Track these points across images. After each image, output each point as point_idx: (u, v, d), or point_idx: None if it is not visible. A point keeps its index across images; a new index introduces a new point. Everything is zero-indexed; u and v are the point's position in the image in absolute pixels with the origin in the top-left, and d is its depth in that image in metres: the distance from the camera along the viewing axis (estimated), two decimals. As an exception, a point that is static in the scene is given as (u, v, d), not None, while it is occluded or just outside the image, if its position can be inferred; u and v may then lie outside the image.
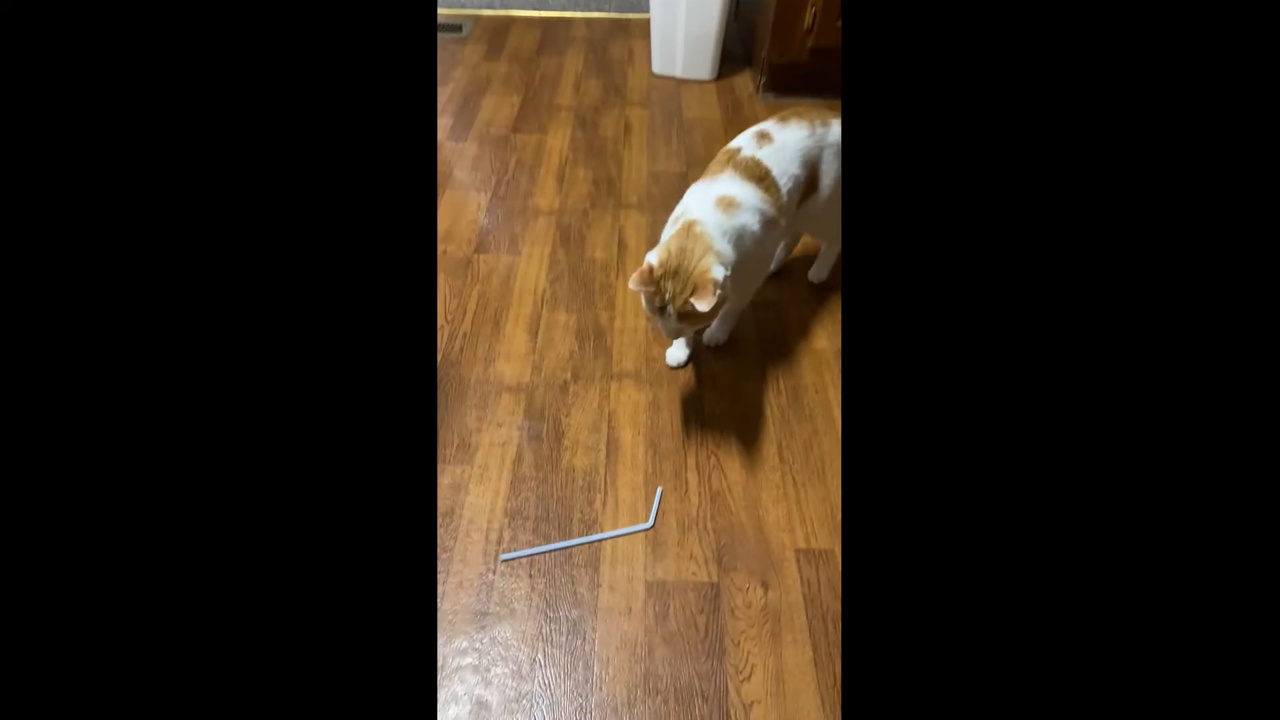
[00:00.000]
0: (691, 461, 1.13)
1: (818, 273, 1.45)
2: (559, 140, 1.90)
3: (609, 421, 1.19)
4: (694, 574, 0.99)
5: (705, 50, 2.11)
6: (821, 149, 1.20)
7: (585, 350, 1.32)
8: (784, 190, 1.15)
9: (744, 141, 1.19)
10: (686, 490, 1.09)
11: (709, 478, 1.11)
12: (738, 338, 1.34)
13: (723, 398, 1.23)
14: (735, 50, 2.29)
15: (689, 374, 1.28)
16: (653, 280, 0.99)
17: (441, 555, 1.01)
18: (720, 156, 1.19)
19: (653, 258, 1.01)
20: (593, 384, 1.25)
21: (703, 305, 0.95)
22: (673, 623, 0.94)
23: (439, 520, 1.05)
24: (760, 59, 2.07)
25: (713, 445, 1.16)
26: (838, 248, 1.43)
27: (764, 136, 1.18)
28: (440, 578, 0.98)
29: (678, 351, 1.28)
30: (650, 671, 0.89)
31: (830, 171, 1.23)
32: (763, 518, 1.06)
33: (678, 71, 2.18)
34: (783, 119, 1.20)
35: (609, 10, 2.57)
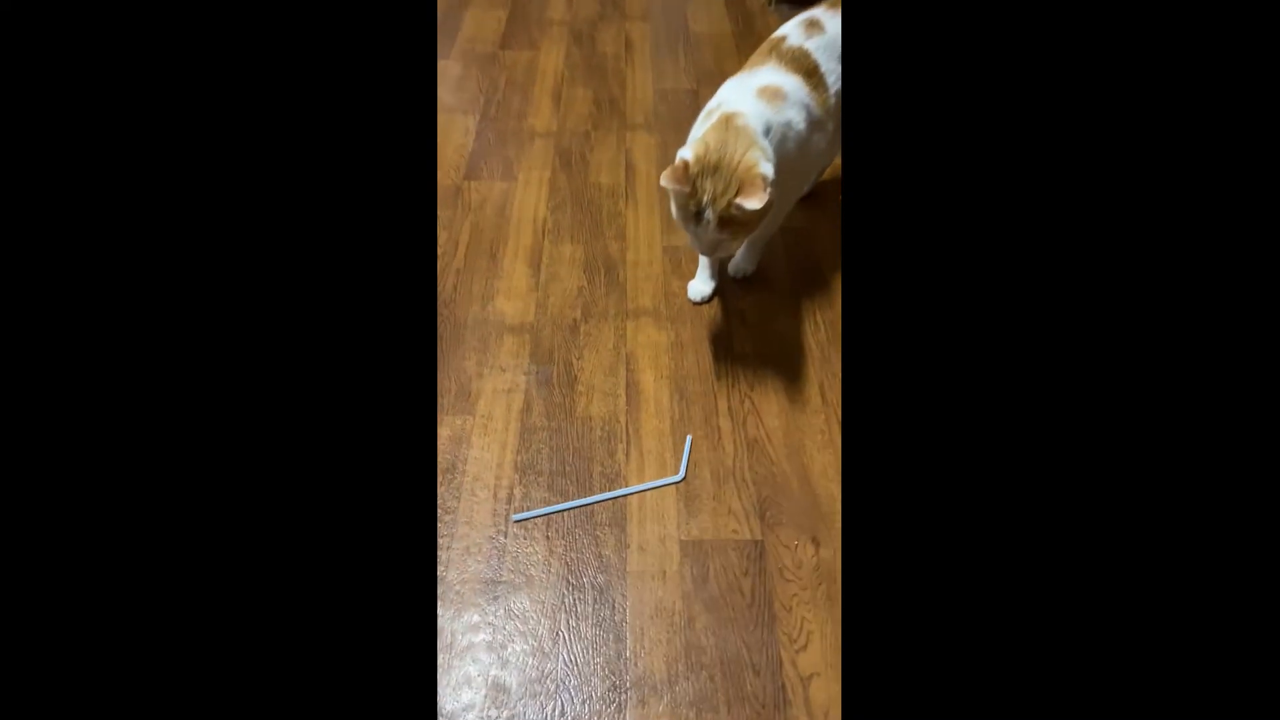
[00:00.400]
0: (723, 406, 1.00)
1: None
2: (553, 58, 1.70)
3: (627, 364, 1.05)
4: (734, 531, 0.87)
5: (712, -45, 1.88)
6: None
7: (595, 285, 1.17)
8: (832, 90, 0.99)
9: (790, 30, 1.03)
10: (720, 438, 0.96)
11: (744, 424, 0.98)
12: (765, 268, 1.19)
13: (753, 335, 1.09)
14: (743, -42, 2.06)
15: (714, 310, 1.13)
16: (688, 178, 0.85)
17: (444, 518, 0.88)
18: (763, 47, 1.03)
19: (687, 153, 0.87)
20: (606, 323, 1.11)
21: (752, 203, 0.81)
22: (714, 586, 0.82)
23: (439, 478, 0.92)
24: (774, -37, 1.85)
25: (745, 388, 1.03)
26: None
27: (814, 25, 1.01)
28: (443, 543, 0.86)
29: (701, 285, 1.13)
30: (691, 643, 0.77)
31: None
32: (808, 466, 0.93)
33: (681, -20, 1.95)
34: (833, 4, 1.04)
35: (601, -84, 2.31)
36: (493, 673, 0.75)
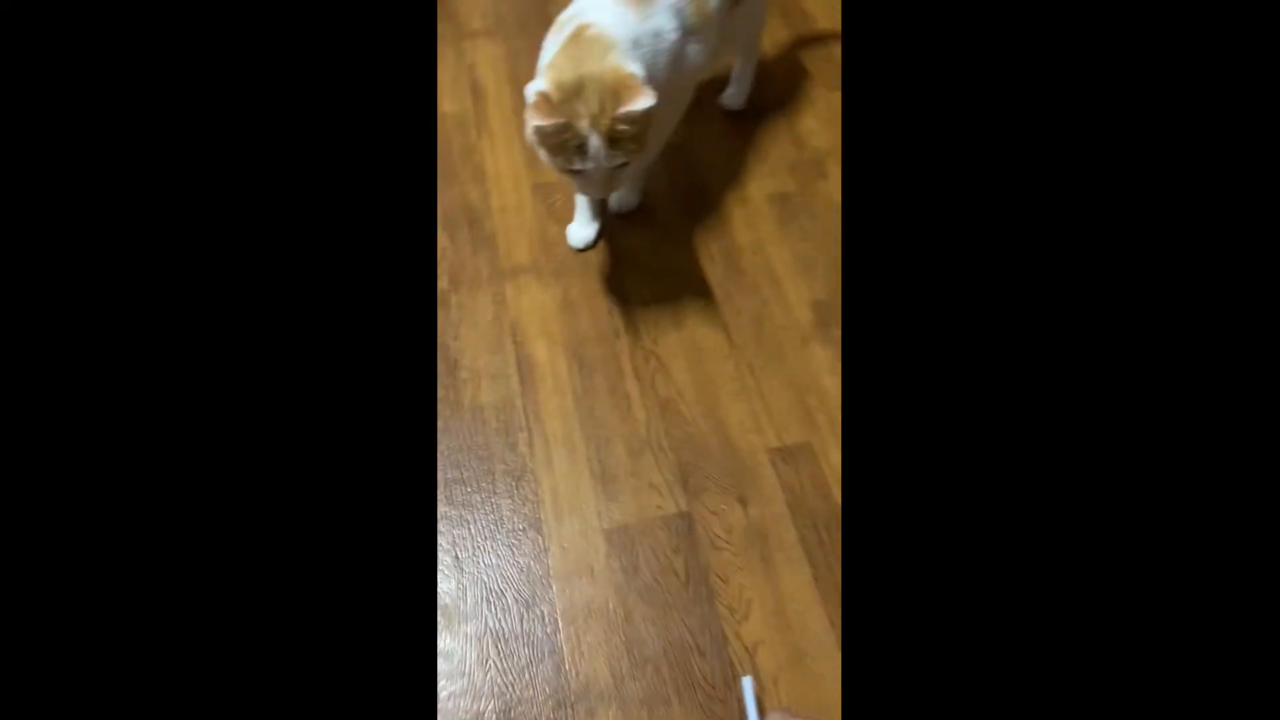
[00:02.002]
0: (628, 367, 0.91)
1: (734, 98, 1.17)
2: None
3: (513, 335, 0.93)
4: (659, 507, 0.81)
5: None
6: None
7: (459, 245, 1.00)
8: (687, 18, 0.85)
9: None
10: (629, 406, 0.89)
11: (652, 384, 0.90)
12: (650, 198, 1.07)
13: (647, 278, 0.99)
14: None
15: (601, 255, 1.01)
16: (555, 109, 0.72)
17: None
18: None
19: (539, 84, 0.74)
20: (480, 289, 0.97)
21: (639, 105, 0.72)
22: (646, 573, 0.77)
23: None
24: None
25: (649, 342, 0.94)
26: (755, 61, 1.15)
27: None
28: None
29: (582, 228, 1.00)
30: (632, 639, 0.73)
31: None
32: (724, 420, 0.88)
33: None
34: None
35: None
36: None
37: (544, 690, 0.70)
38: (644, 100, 0.72)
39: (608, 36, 0.77)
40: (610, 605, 0.75)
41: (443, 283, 0.97)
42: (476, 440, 0.85)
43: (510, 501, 0.81)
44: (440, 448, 0.84)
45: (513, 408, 0.88)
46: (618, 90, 0.73)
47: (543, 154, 0.78)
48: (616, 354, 0.92)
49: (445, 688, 0.70)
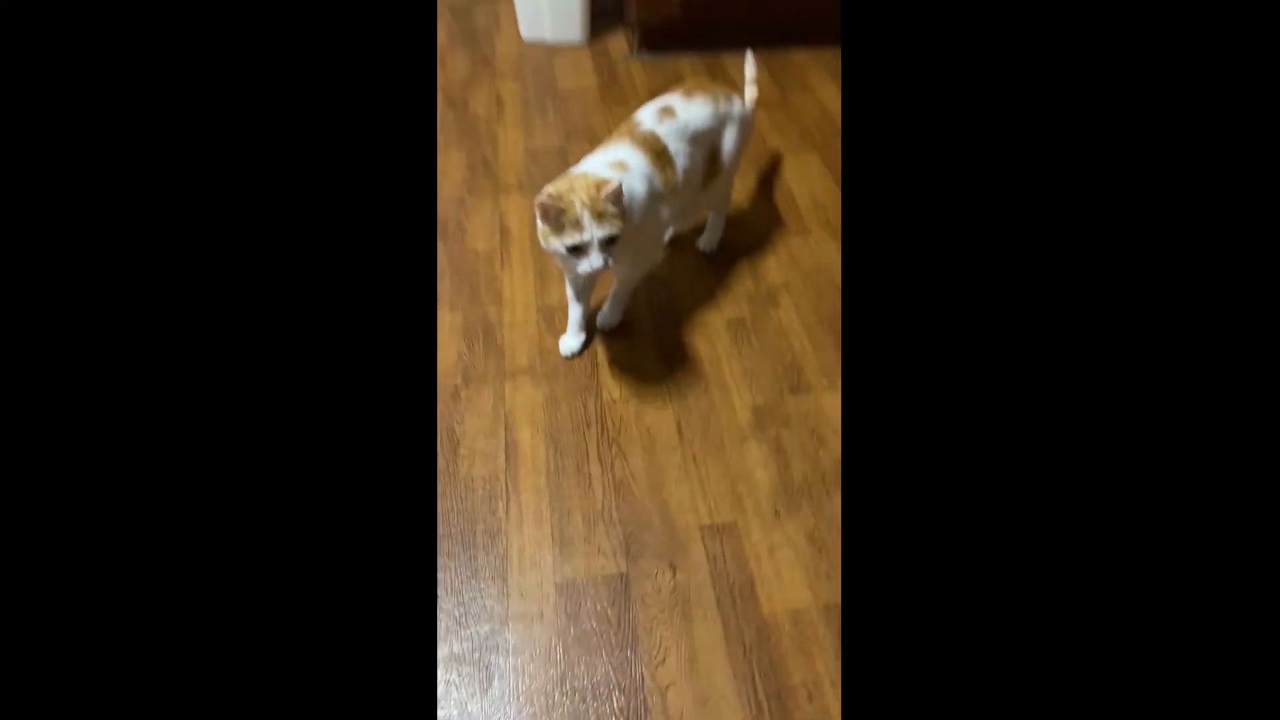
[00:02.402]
0: (593, 453, 1.13)
1: (707, 242, 1.45)
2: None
3: (505, 423, 1.17)
4: (603, 567, 1.00)
5: (573, 10, 2.02)
6: (724, 125, 1.22)
7: (475, 350, 1.27)
8: (680, 169, 1.15)
9: (646, 115, 1.18)
10: (590, 483, 1.09)
11: (611, 467, 1.11)
12: (631, 319, 1.33)
13: (620, 382, 1.23)
14: (606, 5, 2.20)
15: (586, 362, 1.26)
16: (555, 199, 0.99)
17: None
18: (621, 128, 1.18)
19: (542, 195, 1.00)
20: (485, 385, 1.22)
21: (613, 184, 0.98)
22: (585, 620, 0.94)
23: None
24: (632, 16, 2.00)
25: (613, 432, 1.16)
26: (723, 217, 1.43)
27: (667, 111, 1.17)
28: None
29: (571, 339, 1.26)
30: (566, 673, 0.90)
31: (729, 147, 1.25)
32: (667, 500, 1.07)
33: (547, 35, 2.08)
34: (688, 93, 1.20)
35: (469, -29, 2.41)
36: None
37: (487, 709, 0.87)
38: (615, 182, 0.98)
39: (593, 176, 1.04)
40: (553, 643, 0.92)
41: (456, 380, 1.23)
42: (465, 505, 1.06)
43: (485, 555, 1.01)
44: (440, 508, 1.06)
45: (497, 480, 1.10)
46: (598, 184, 0.99)
47: (550, 240, 1.01)
48: (586, 441, 1.14)
49: (413, 698, 0.88)
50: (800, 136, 1.77)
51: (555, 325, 1.31)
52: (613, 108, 1.84)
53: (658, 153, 1.13)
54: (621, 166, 1.09)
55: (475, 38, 2.11)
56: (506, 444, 1.14)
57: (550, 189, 1.01)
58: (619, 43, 2.10)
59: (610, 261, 1.01)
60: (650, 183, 1.12)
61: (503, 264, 1.43)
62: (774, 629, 0.94)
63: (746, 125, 1.28)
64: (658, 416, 1.18)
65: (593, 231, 0.98)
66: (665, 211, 1.17)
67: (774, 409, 1.19)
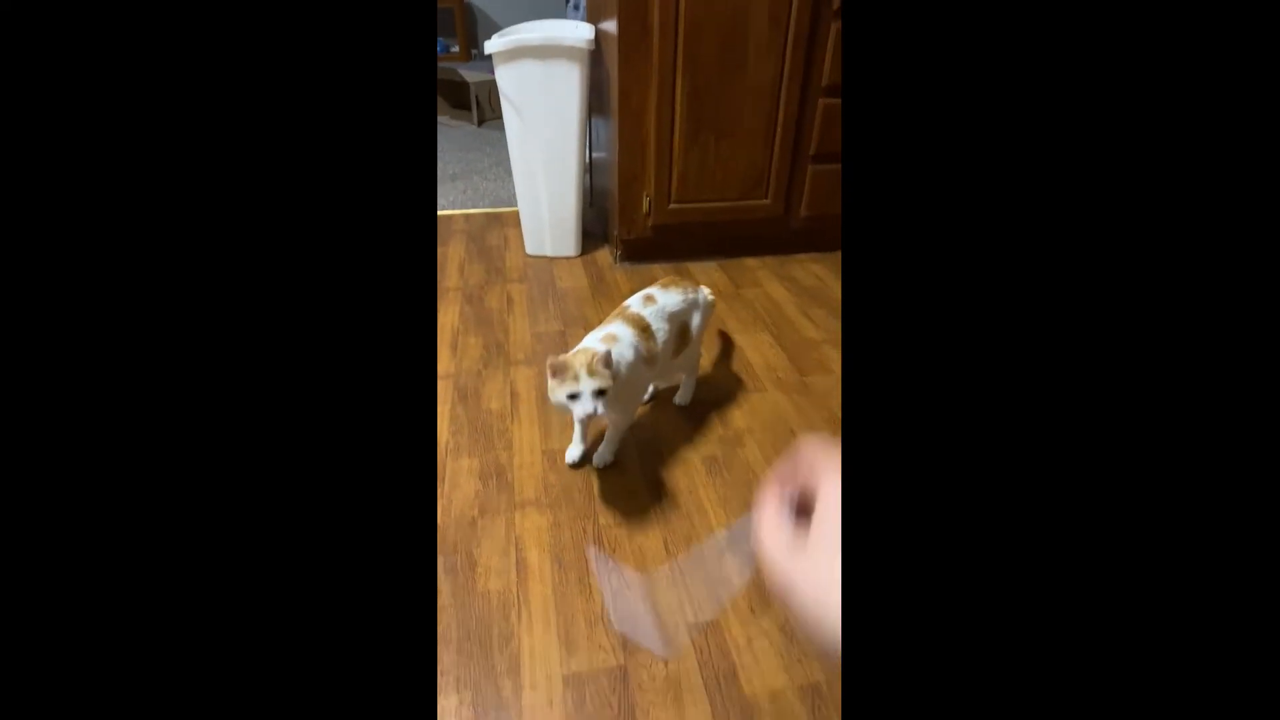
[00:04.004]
0: (592, 567, 1.31)
1: (682, 397, 1.76)
2: (450, 316, 2.18)
3: (516, 545, 1.36)
4: (604, 661, 1.13)
5: (568, 232, 2.55)
6: (692, 308, 1.61)
7: (489, 487, 1.50)
8: (660, 339, 1.51)
9: (634, 301, 1.56)
10: (591, 594, 1.26)
11: (609, 578, 1.29)
12: (623, 458, 1.58)
13: (614, 509, 1.44)
14: (594, 230, 2.77)
15: (584, 494, 1.48)
16: (560, 361, 1.29)
17: (371, 689, 1.09)
18: (615, 311, 1.54)
19: (552, 359, 1.30)
20: (499, 515, 1.43)
21: (601, 351, 1.28)
22: (589, 707, 1.06)
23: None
24: (614, 236, 2.53)
25: (609, 549, 1.35)
26: (694, 377, 1.76)
27: (649, 299, 1.55)
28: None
29: (574, 450, 1.55)
30: (574, 754, 1.00)
31: (696, 323, 1.63)
32: (658, 603, 1.24)
33: (548, 251, 2.59)
34: (664, 286, 1.59)
35: (484, 206, 3.03)
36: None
37: (505, 788, 0.96)
38: (603, 350, 1.29)
39: (590, 349, 1.36)
40: (561, 729, 1.03)
41: (474, 511, 1.44)
42: (482, 614, 1.22)
43: (499, 655, 1.15)
44: (459, 618, 1.21)
45: (510, 593, 1.26)
46: (593, 353, 1.29)
47: (555, 391, 1.29)
48: (587, 559, 1.33)
49: (435, 781, 0.97)
50: (753, 319, 2.18)
51: (557, 465, 1.56)
52: (601, 302, 2.27)
53: (643, 328, 1.49)
54: (612, 339, 1.44)
55: (489, 253, 2.62)
56: (517, 562, 1.32)
57: (557, 357, 1.34)
58: (605, 255, 2.62)
59: (600, 408, 1.30)
60: (636, 350, 1.46)
61: (513, 419, 1.71)
62: (756, 708, 1.07)
63: (708, 308, 1.66)
64: (646, 536, 1.38)
65: (585, 384, 1.29)
66: (647, 371, 1.50)
67: (745, 528, 1.40)
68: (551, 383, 1.31)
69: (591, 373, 1.29)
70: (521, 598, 1.25)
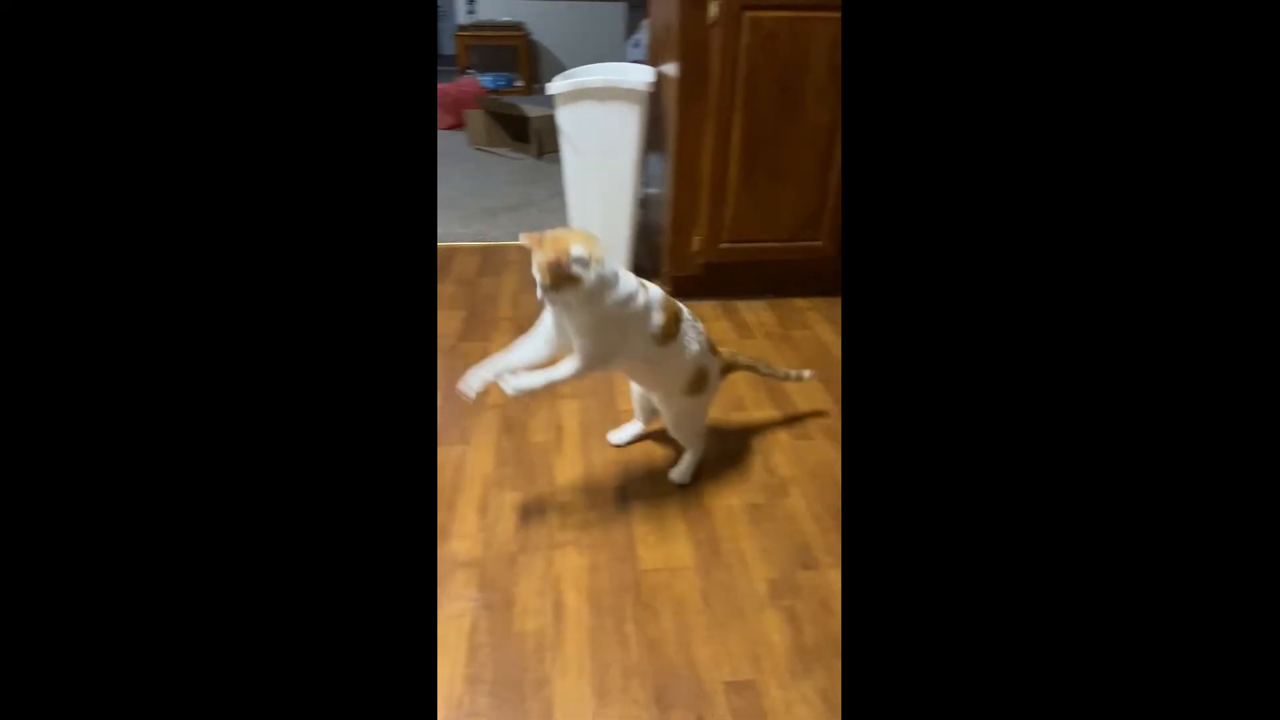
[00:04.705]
0: (629, 615, 1.29)
1: (680, 475, 1.60)
2: (500, 346, 2.22)
3: (554, 586, 1.35)
4: (637, 716, 1.11)
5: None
6: (703, 360, 1.50)
7: (530, 523, 1.50)
8: (680, 337, 1.42)
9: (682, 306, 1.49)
10: (627, 642, 1.24)
11: (645, 627, 1.27)
12: (663, 501, 1.56)
13: (653, 554, 1.43)
14: (644, 264, 2.79)
15: (624, 536, 1.47)
16: (537, 239, 1.23)
17: (405, 726, 1.09)
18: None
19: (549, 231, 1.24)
20: (538, 553, 1.42)
21: (540, 257, 1.18)
22: (621, 764, 1.04)
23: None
24: (663, 272, 2.55)
25: (647, 597, 1.33)
26: (695, 451, 1.64)
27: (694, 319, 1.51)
28: (404, 749, 1.06)
29: (620, 432, 1.59)
30: (603, 813, 0.97)
31: (709, 381, 1.52)
32: (694, 658, 1.21)
33: (598, 284, 2.62)
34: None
35: (538, 238, 3.10)
36: None
37: (532, 844, 0.94)
38: (541, 256, 1.15)
39: (596, 242, 1.21)
40: (591, 785, 1.01)
41: (514, 548, 1.44)
42: (517, 656, 1.21)
43: (532, 700, 1.14)
44: (494, 658, 1.20)
45: (545, 634, 1.25)
46: (557, 248, 1.16)
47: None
48: (623, 604, 1.31)
49: (463, 830, 0.95)
50: (801, 362, 2.15)
51: (598, 503, 1.55)
52: (649, 337, 2.28)
53: (674, 313, 1.40)
54: (641, 282, 1.35)
55: (541, 285, 2.67)
56: (555, 604, 1.31)
57: (545, 233, 1.22)
58: (654, 290, 2.64)
59: (547, 301, 1.24)
60: (649, 308, 1.34)
61: (557, 453, 1.72)
62: (794, 781, 1.02)
63: (715, 376, 1.56)
64: (686, 585, 1.36)
65: (536, 256, 1.20)
66: (648, 336, 1.36)
67: (787, 582, 1.36)
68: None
69: (540, 262, 1.17)
70: (557, 641, 1.24)
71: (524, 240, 1.25)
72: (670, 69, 2.21)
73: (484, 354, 2.17)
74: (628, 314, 1.30)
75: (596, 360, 1.33)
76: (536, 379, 1.32)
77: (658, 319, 1.36)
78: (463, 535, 1.46)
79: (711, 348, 1.54)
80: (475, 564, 1.39)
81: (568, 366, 1.33)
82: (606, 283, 1.24)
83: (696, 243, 2.37)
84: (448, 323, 2.35)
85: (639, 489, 1.60)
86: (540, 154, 4.29)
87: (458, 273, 2.76)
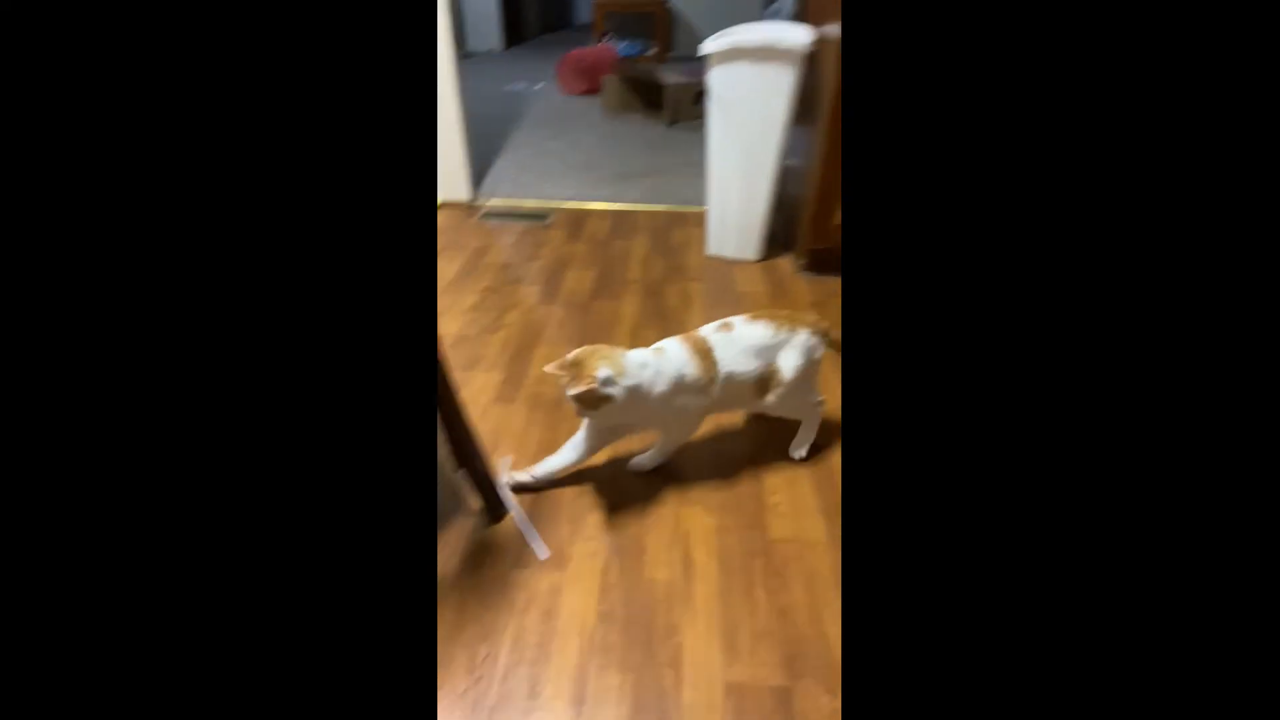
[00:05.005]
0: (759, 579, 1.28)
1: (796, 448, 1.58)
2: (631, 307, 2.25)
3: (683, 542, 1.36)
4: (767, 678, 1.10)
5: (752, 236, 2.52)
6: (780, 349, 1.43)
7: (656, 477, 1.52)
8: (721, 373, 1.39)
9: (709, 326, 1.46)
10: (756, 606, 1.23)
11: (776, 595, 1.25)
12: (797, 474, 1.53)
13: (784, 524, 1.40)
14: (778, 235, 2.71)
15: (754, 502, 1.45)
16: (564, 366, 1.30)
17: (544, 648, 1.15)
18: (690, 333, 1.46)
19: (574, 353, 1.31)
20: (666, 508, 1.44)
21: (573, 390, 1.25)
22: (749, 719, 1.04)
23: (540, 618, 1.20)
24: (800, 244, 2.46)
25: (778, 565, 1.31)
26: (812, 428, 1.58)
27: (726, 326, 1.45)
28: (538, 670, 1.11)
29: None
30: (732, 765, 0.98)
31: (788, 367, 1.43)
32: (825, 631, 1.18)
33: (729, 253, 2.58)
34: (754, 317, 1.46)
35: (669, 204, 3.09)
36: (576, 774, 0.97)
37: (662, 779, 0.96)
38: (574, 390, 1.25)
39: (620, 356, 1.31)
40: (720, 736, 1.02)
41: (642, 499, 1.46)
42: (647, 600, 1.23)
43: (661, 645, 1.15)
44: (625, 598, 1.23)
45: (675, 586, 1.26)
46: (578, 375, 1.27)
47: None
48: (753, 569, 1.30)
49: (596, 754, 0.99)
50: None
51: (724, 468, 1.54)
52: (778, 308, 2.22)
53: (702, 352, 1.39)
54: (659, 351, 1.37)
55: (671, 251, 2.67)
56: (683, 559, 1.32)
57: (572, 354, 1.32)
58: (786, 262, 2.56)
59: (587, 418, 1.35)
60: (683, 373, 1.36)
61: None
62: (933, 771, 0.97)
63: (808, 352, 1.46)
64: (818, 559, 1.32)
65: (569, 390, 1.28)
66: (696, 398, 1.40)
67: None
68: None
69: (570, 393, 1.28)
70: (686, 594, 1.25)
71: (550, 369, 1.32)
72: (833, 29, 2.10)
73: (614, 312, 2.21)
74: (672, 394, 1.37)
75: (677, 437, 1.51)
76: (658, 452, 1.53)
77: (694, 373, 1.38)
78: (596, 480, 1.50)
79: (793, 324, 1.46)
80: (607, 509, 1.43)
81: (666, 444, 1.51)
82: (640, 387, 1.32)
83: (839, 214, 2.27)
84: (580, 281, 2.40)
85: (769, 458, 1.57)
86: (672, 122, 4.26)
87: (590, 233, 2.81)
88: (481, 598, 1.24)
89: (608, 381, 1.27)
